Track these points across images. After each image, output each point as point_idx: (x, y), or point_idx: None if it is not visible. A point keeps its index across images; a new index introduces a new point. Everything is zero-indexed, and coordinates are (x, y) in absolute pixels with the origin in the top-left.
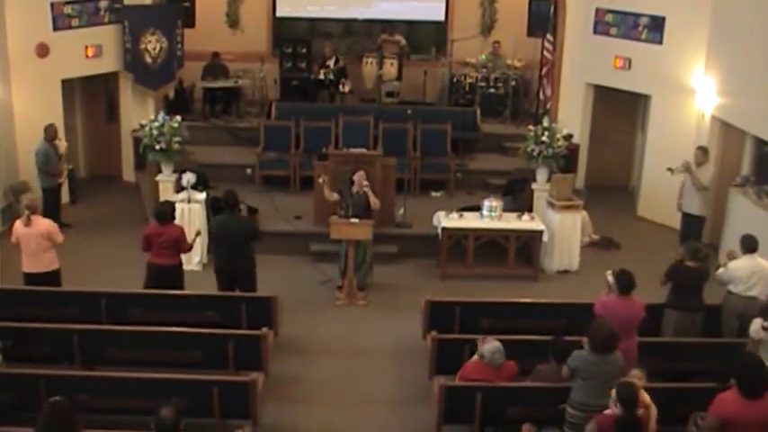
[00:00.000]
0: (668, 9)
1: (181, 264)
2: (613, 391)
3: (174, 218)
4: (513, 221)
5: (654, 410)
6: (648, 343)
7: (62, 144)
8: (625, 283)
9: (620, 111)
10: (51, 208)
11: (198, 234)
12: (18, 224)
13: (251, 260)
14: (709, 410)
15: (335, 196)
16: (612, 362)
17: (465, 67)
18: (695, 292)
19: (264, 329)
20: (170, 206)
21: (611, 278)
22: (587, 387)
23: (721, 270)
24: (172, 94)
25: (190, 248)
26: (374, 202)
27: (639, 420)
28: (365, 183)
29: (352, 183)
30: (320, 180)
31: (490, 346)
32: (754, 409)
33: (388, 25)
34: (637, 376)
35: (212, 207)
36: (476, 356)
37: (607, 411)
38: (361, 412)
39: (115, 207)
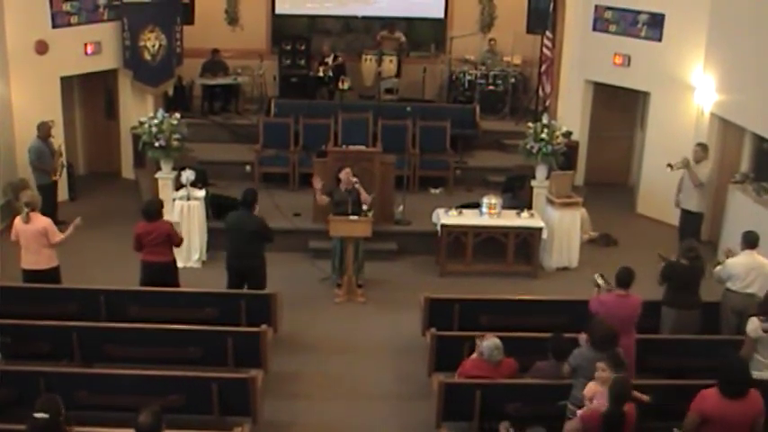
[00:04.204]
0: (667, 6)
1: (174, 260)
2: (590, 385)
3: (161, 214)
4: (512, 218)
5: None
6: (646, 340)
7: (55, 141)
8: (624, 278)
9: (620, 108)
10: (47, 205)
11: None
12: (18, 221)
13: (260, 259)
14: (690, 405)
15: (325, 199)
16: None
17: (464, 65)
18: (691, 289)
19: (264, 326)
20: (157, 203)
21: (600, 280)
22: None
23: (719, 268)
24: (171, 92)
25: (181, 242)
26: (365, 197)
27: (625, 415)
28: (353, 179)
29: (339, 181)
30: (317, 186)
31: (489, 342)
32: (734, 409)
33: (388, 22)
34: (601, 368)
35: (213, 205)
36: (475, 354)
37: (593, 405)
38: (361, 409)
39: (114, 204)
